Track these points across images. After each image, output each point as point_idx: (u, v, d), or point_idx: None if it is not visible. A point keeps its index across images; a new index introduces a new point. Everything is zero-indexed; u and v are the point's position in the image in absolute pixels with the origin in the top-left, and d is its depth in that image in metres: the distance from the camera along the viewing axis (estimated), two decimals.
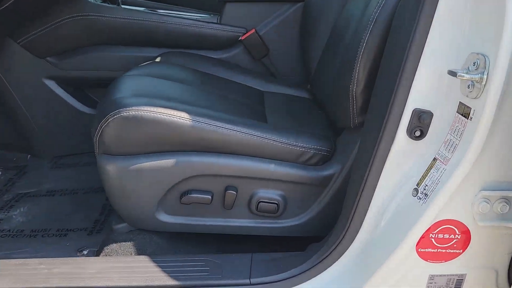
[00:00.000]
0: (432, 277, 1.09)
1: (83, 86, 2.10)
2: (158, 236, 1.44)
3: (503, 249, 1.07)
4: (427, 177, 1.03)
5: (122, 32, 1.95)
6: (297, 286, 1.16)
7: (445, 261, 1.07)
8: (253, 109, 1.58)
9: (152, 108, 1.27)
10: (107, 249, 1.40)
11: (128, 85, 1.44)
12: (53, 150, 2.09)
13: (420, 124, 1.02)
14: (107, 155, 1.32)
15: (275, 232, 1.42)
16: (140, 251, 1.38)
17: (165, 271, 1.19)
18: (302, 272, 1.17)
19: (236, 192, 1.35)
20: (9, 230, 1.62)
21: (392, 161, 1.06)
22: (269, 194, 1.37)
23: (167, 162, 1.30)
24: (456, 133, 0.97)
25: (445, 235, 1.04)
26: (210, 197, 1.34)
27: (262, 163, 1.34)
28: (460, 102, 0.97)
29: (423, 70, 0.99)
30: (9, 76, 1.90)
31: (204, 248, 1.44)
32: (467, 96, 0.94)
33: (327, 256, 1.17)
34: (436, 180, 1.00)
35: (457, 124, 0.97)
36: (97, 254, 1.42)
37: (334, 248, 1.16)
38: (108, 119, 1.27)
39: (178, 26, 1.96)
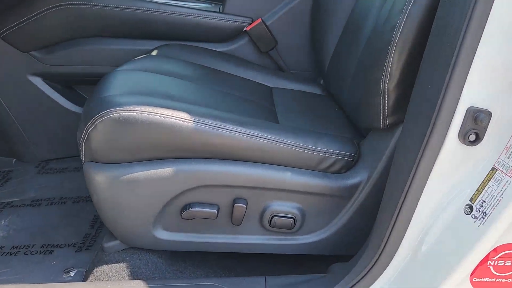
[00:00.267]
0: None
1: (72, 83, 1.95)
2: (155, 256, 1.27)
3: None
4: (483, 191, 0.84)
5: (115, 22, 1.80)
6: None
7: None
8: (262, 108, 1.41)
9: (147, 108, 1.09)
10: (97, 271, 1.22)
11: (120, 81, 1.26)
12: (40, 153, 1.94)
13: (476, 126, 0.84)
14: (95, 163, 1.15)
15: (290, 250, 1.25)
16: (135, 274, 1.21)
17: None
18: None
19: (246, 205, 1.18)
20: None
21: (439, 171, 0.88)
22: (284, 207, 1.19)
23: (165, 171, 1.13)
24: None
25: (506, 262, 0.85)
26: (215, 211, 1.17)
27: (276, 171, 1.16)
28: None
29: (479, 61, 0.80)
30: None
31: (210, 269, 1.28)
32: None
33: (357, 282, 0.99)
34: (498, 196, 0.81)
35: None
36: (85, 276, 1.25)
37: (366, 273, 0.99)
38: (95, 121, 1.09)
39: (177, 16, 1.81)
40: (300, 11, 1.85)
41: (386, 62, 1.04)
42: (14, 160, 1.95)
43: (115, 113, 1.08)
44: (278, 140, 1.15)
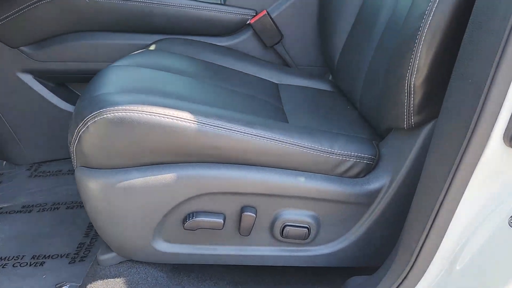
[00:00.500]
0: None
1: (65, 80, 1.88)
2: (156, 270, 1.17)
3: None
4: None
5: (110, 15, 1.72)
6: None
7: None
8: (269, 106, 1.31)
9: (144, 107, 0.99)
10: (91, 287, 1.12)
11: (114, 78, 1.15)
12: (32, 155, 1.87)
13: None
14: (87, 169, 1.05)
15: (304, 262, 1.16)
16: None
17: None
18: None
19: (255, 214, 1.08)
20: None
21: (480, 177, 0.78)
22: (297, 215, 1.10)
23: (166, 177, 1.03)
24: None
25: None
26: (221, 220, 1.08)
27: (289, 176, 1.06)
28: None
29: None
30: None
31: (215, 284, 1.18)
32: None
33: None
34: None
35: None
36: None
37: None
38: (87, 122, 0.99)
39: (177, 9, 1.73)
40: (307, 2, 1.77)
41: (412, 55, 0.93)
42: (4, 162, 1.89)
43: (109, 113, 0.98)
44: (292, 142, 1.04)
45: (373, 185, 1.07)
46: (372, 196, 1.07)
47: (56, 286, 1.21)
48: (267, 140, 1.03)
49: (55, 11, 1.66)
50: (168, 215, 1.07)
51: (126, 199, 1.04)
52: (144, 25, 1.74)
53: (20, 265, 1.32)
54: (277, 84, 1.56)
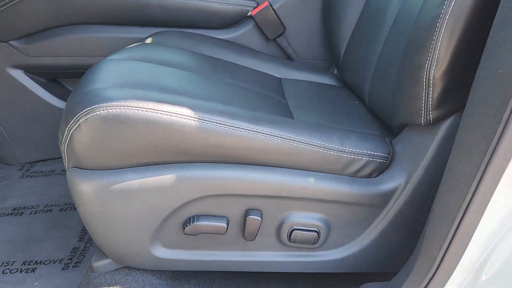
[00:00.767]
0: None
1: (58, 76, 1.82)
2: (154, 277, 1.11)
3: None
4: None
5: (104, 7, 1.66)
6: None
7: None
8: (273, 101, 1.24)
9: (140, 103, 0.92)
10: None
11: (108, 72, 1.08)
12: (23, 155, 1.82)
13: None
14: (80, 170, 0.98)
15: (313, 268, 1.10)
16: None
17: None
18: None
19: (261, 217, 1.01)
20: None
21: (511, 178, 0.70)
22: (306, 218, 1.03)
23: (164, 178, 0.96)
24: None
25: None
26: (225, 224, 1.01)
27: (296, 176, 0.99)
28: None
29: None
30: None
31: None
32: None
33: None
34: None
35: None
36: None
37: None
38: (78, 120, 0.92)
39: (174, 0, 1.68)
40: None
41: (432, 44, 0.86)
42: None
43: (102, 110, 0.90)
44: (299, 140, 0.97)
45: (387, 186, 1.00)
46: (386, 197, 1.00)
47: None
48: (273, 138, 0.96)
49: (46, 2, 1.61)
50: (167, 219, 1.01)
51: (122, 202, 0.97)
52: (140, 17, 1.69)
53: (10, 271, 1.25)
54: (279, 78, 1.51)
